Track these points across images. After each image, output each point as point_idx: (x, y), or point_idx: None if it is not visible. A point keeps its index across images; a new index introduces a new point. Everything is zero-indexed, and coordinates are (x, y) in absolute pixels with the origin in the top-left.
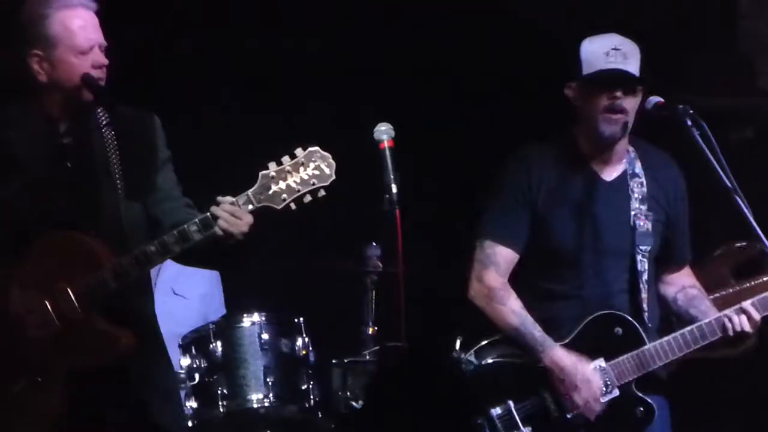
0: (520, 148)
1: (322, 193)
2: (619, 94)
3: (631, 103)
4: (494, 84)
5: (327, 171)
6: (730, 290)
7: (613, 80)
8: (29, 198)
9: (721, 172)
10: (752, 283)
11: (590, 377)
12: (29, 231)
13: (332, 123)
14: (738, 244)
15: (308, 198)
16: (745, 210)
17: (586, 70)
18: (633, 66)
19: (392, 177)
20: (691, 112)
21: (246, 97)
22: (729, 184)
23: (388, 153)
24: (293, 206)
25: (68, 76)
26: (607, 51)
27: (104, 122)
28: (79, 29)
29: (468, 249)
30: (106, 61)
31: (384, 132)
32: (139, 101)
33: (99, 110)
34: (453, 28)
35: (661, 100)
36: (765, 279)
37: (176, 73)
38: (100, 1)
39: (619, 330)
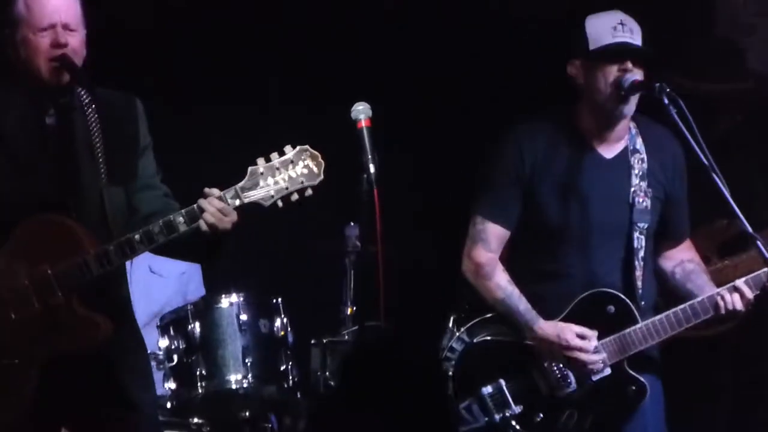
0: (513, 124)
1: (310, 192)
2: (629, 65)
3: (640, 77)
4: (474, 61)
5: (315, 170)
6: (712, 268)
7: (624, 51)
8: (12, 178)
9: (699, 150)
10: (734, 260)
11: (578, 337)
12: (11, 212)
13: (309, 103)
14: (719, 222)
15: (296, 197)
16: (723, 188)
17: (594, 45)
18: (639, 41)
19: (370, 156)
20: (668, 90)
21: (227, 82)
22: (706, 162)
23: (365, 132)
24: (280, 204)
25: (31, 55)
26: (614, 25)
27: (86, 101)
28: (38, 7)
29: (448, 227)
30: (63, 40)
31: (361, 111)
32: (128, 90)
33: (79, 90)
34: (432, 8)
35: (638, 78)
36: (746, 256)
37: (167, 65)
38: None
39: (611, 308)
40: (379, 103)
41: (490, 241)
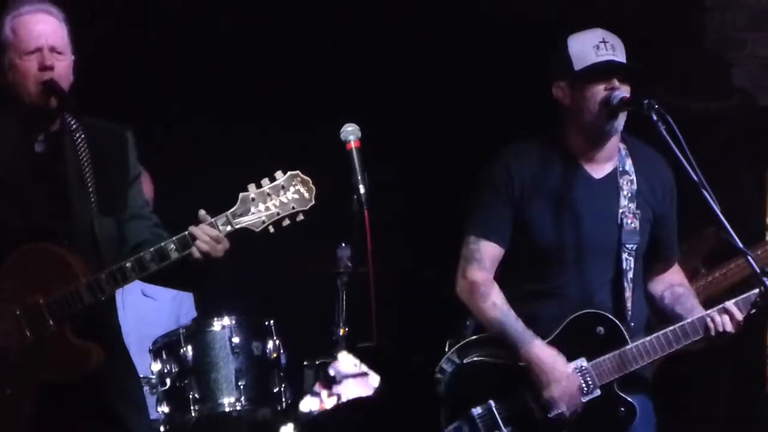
0: (503, 146)
1: (301, 217)
2: (616, 83)
3: (627, 94)
4: (466, 81)
5: (307, 195)
6: (703, 281)
7: (610, 69)
8: (2, 206)
9: (688, 166)
10: (724, 269)
11: (568, 372)
12: (2, 240)
13: (300, 124)
14: (707, 231)
15: (287, 222)
16: (713, 203)
17: (578, 65)
18: (622, 57)
19: (360, 177)
20: (656, 106)
21: (216, 104)
22: (696, 178)
23: (355, 153)
24: (272, 229)
25: (19, 79)
26: (597, 44)
27: (74, 128)
28: (24, 31)
29: (439, 247)
30: (49, 63)
31: (350, 132)
32: (117, 118)
33: (67, 117)
34: (421, 26)
35: (626, 95)
36: (734, 265)
37: (155, 91)
38: (78, 14)
39: (601, 329)
40: (369, 122)
41: (484, 260)
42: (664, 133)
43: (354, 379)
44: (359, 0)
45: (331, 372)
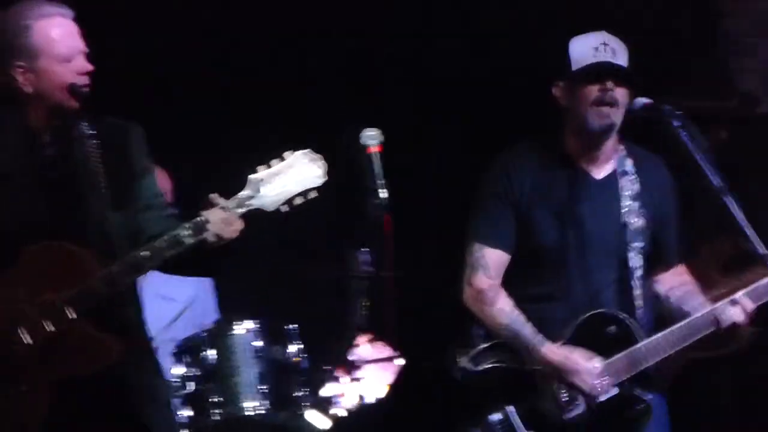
0: (502, 151)
1: (313, 194)
2: (609, 85)
3: (621, 96)
4: (484, 85)
5: (317, 172)
6: (722, 290)
7: (603, 71)
8: (14, 210)
9: (710, 173)
10: (741, 278)
11: (585, 361)
12: (14, 242)
13: (321, 129)
14: (723, 240)
15: (299, 200)
16: (738, 211)
17: (576, 66)
18: (622, 61)
19: (380, 182)
20: (678, 112)
21: (235, 102)
22: (720, 185)
23: (375, 158)
24: (284, 208)
25: (53, 85)
26: (596, 46)
27: (88, 132)
28: (59, 37)
29: (458, 251)
30: (90, 67)
31: (371, 137)
32: (125, 108)
33: (83, 119)
34: (440, 32)
35: (650, 101)
36: (752, 274)
37: (163, 80)
38: (84, 9)
39: (611, 329)
40: (388, 126)
41: (489, 266)
42: (686, 139)
43: (375, 364)
44: (382, 2)
45: (352, 357)
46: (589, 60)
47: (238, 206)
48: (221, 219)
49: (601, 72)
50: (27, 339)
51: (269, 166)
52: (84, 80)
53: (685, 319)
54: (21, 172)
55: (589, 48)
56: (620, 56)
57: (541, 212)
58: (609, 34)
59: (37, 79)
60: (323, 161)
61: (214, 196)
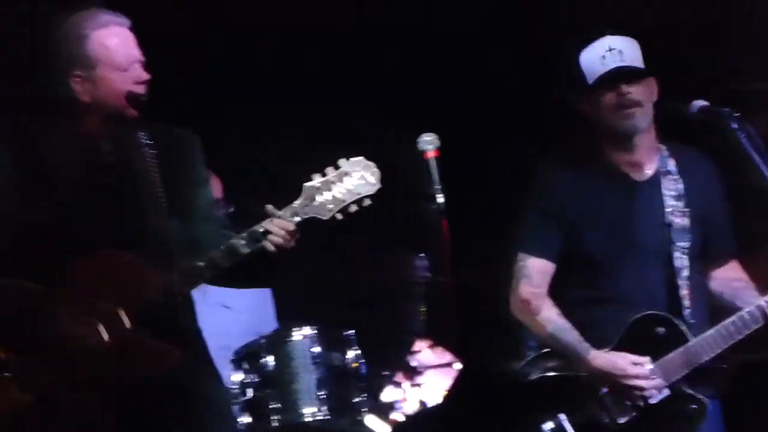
0: (544, 157)
1: (368, 202)
2: (624, 89)
3: (641, 94)
4: (542, 91)
5: (372, 180)
6: None
7: (613, 77)
8: (74, 218)
9: None
10: None
11: (632, 365)
12: (74, 251)
13: (377, 134)
14: None
15: (354, 208)
16: None
17: (589, 78)
18: (631, 59)
19: (437, 187)
20: (736, 115)
21: (289, 109)
22: None
23: (432, 163)
24: (339, 216)
25: (110, 94)
26: (603, 54)
27: (146, 141)
28: (117, 46)
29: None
30: (147, 76)
31: (428, 142)
32: (180, 116)
33: (140, 128)
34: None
35: (706, 103)
36: None
37: (219, 87)
38: (138, 18)
39: (660, 329)
40: (445, 131)
41: (533, 276)
42: (744, 141)
43: (435, 369)
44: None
45: (413, 363)
46: (599, 70)
47: (293, 215)
48: (277, 228)
49: (611, 79)
50: (89, 347)
51: (324, 174)
52: (141, 89)
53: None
54: (80, 182)
55: (596, 57)
56: (628, 55)
57: (588, 219)
58: (612, 36)
59: (95, 88)
60: (377, 168)
61: (270, 208)
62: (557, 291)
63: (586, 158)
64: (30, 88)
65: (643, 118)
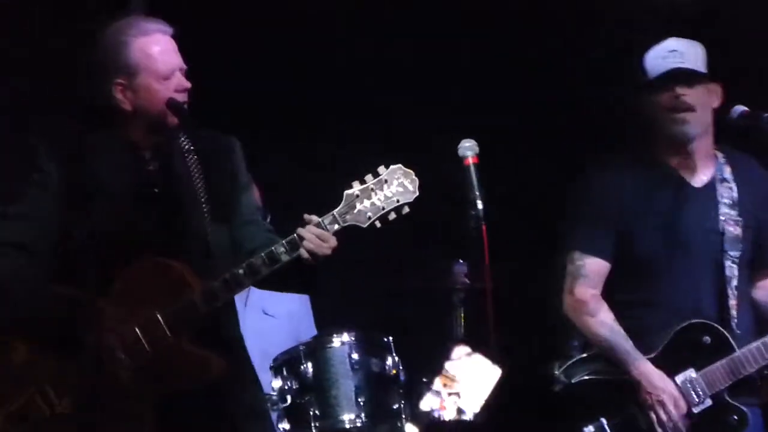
0: (602, 158)
1: (407, 209)
2: (679, 90)
3: (696, 99)
4: (581, 96)
5: (410, 188)
6: None
7: (671, 78)
8: (117, 226)
9: None
10: None
11: (676, 393)
12: (117, 258)
13: (416, 140)
14: None
15: (393, 215)
16: None
17: (649, 76)
18: (692, 63)
19: (477, 193)
20: None
21: (329, 117)
22: None
23: (472, 169)
24: (378, 224)
25: (152, 102)
26: (664, 55)
27: (188, 147)
28: (158, 55)
29: (551, 263)
30: (188, 85)
31: (468, 149)
32: (221, 123)
33: (182, 135)
34: (538, 41)
35: (746, 109)
36: None
37: (256, 95)
38: (180, 26)
39: (707, 338)
40: (485, 136)
41: (591, 276)
42: None
43: (474, 376)
44: (480, 15)
45: (452, 370)
46: (659, 69)
47: (333, 222)
48: (316, 236)
49: (669, 79)
50: (131, 356)
51: (363, 182)
52: (182, 97)
53: None
54: (124, 189)
55: (658, 57)
56: (690, 59)
57: (642, 221)
58: (678, 39)
59: (136, 96)
60: (416, 176)
61: (308, 216)
62: (610, 292)
63: (642, 160)
64: (77, 97)
65: (695, 124)
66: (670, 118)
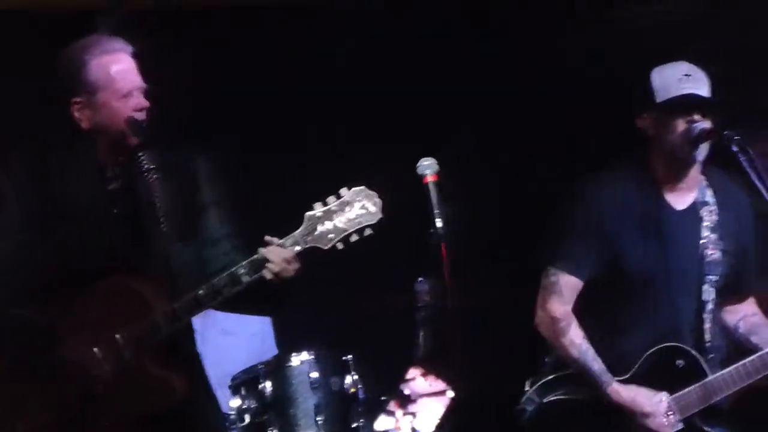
0: (588, 175)
1: (369, 231)
2: (697, 117)
3: (707, 126)
4: (545, 113)
5: (373, 209)
6: None
7: (690, 104)
8: (78, 246)
9: None
10: None
11: (650, 403)
12: (79, 278)
13: (376, 160)
14: None
15: (355, 237)
16: None
17: (661, 97)
18: (704, 91)
19: (437, 211)
20: (737, 138)
21: (288, 137)
22: None
23: (432, 187)
24: (340, 246)
25: (111, 121)
26: (680, 77)
27: (148, 166)
28: (118, 74)
29: (520, 280)
30: (147, 104)
31: (427, 167)
32: (183, 142)
33: (142, 154)
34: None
35: (706, 126)
36: None
37: (219, 115)
38: (143, 45)
39: (680, 362)
40: (445, 153)
41: (564, 293)
42: (746, 165)
43: (429, 397)
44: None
45: (406, 391)
46: (674, 92)
47: (294, 244)
48: (278, 257)
49: (688, 105)
50: (92, 376)
51: (325, 204)
52: (141, 116)
53: (754, 351)
54: (89, 207)
55: (673, 79)
56: (703, 86)
57: (626, 241)
58: (689, 63)
59: (94, 114)
60: (379, 198)
61: (269, 238)
62: (588, 312)
63: (629, 180)
64: (44, 116)
65: (704, 150)
66: (684, 141)
